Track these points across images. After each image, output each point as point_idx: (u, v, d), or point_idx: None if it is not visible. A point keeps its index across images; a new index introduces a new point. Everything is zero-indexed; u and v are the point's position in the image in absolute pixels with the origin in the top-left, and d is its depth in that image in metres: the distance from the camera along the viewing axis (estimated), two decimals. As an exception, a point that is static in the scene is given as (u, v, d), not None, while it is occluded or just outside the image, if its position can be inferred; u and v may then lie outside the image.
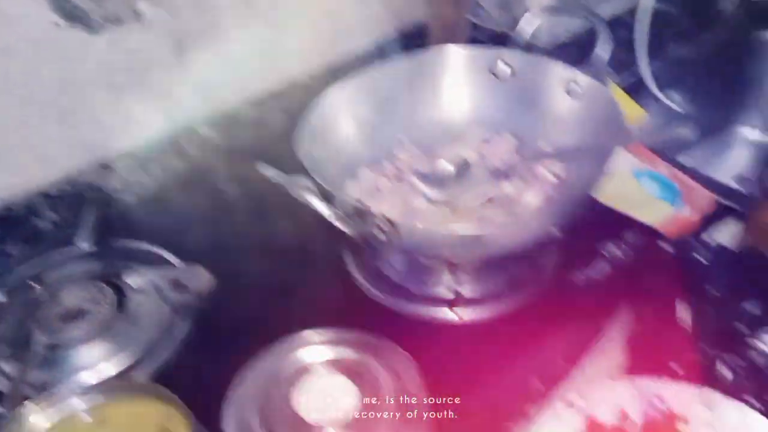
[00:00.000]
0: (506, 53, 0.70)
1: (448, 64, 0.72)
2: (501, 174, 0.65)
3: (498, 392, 0.61)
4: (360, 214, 0.56)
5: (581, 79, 0.65)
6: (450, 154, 0.70)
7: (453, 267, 0.63)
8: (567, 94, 0.66)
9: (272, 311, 0.66)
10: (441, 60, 0.72)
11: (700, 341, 0.63)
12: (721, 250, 0.68)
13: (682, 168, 0.87)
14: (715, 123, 1.18)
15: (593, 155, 0.60)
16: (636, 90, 1.07)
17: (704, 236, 0.72)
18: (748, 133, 1.20)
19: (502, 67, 0.69)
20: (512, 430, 0.60)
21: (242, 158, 0.61)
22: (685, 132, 1.08)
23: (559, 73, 0.67)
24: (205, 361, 0.62)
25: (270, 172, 0.54)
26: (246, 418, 0.53)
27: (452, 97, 0.73)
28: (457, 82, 0.72)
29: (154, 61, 0.77)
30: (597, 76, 0.63)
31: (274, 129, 0.83)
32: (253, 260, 0.72)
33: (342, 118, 0.69)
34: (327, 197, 0.57)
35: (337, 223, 0.52)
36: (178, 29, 0.77)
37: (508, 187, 0.64)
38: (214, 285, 0.65)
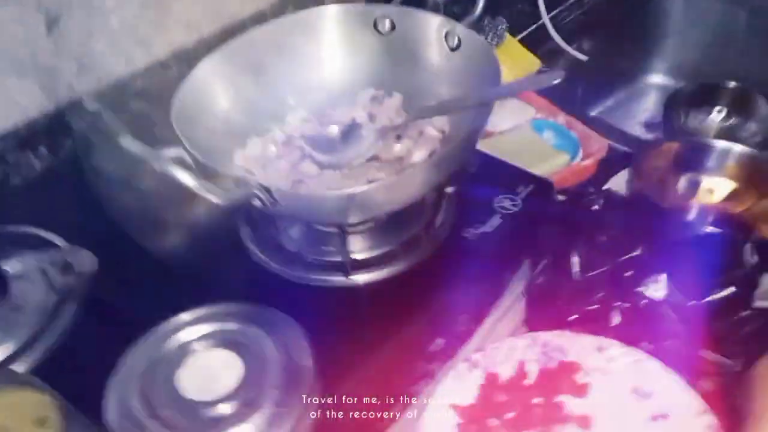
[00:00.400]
0: (384, 8, 0.68)
1: (326, 24, 0.70)
2: (390, 132, 0.64)
3: (400, 354, 0.61)
4: (237, 184, 0.54)
5: (459, 30, 0.63)
6: (340, 116, 0.68)
7: (345, 231, 0.61)
8: (446, 46, 0.65)
9: (164, 291, 0.64)
10: (318, 20, 0.70)
11: (593, 291, 0.64)
12: (613, 197, 0.69)
13: (584, 117, 0.88)
14: (624, 71, 1.20)
15: (474, 107, 0.59)
16: (544, 41, 1.07)
17: (600, 185, 0.73)
18: (655, 78, 1.22)
19: (382, 23, 0.68)
20: (416, 390, 0.60)
21: (130, 132, 0.58)
22: (593, 81, 1.09)
23: (438, 25, 0.65)
24: (91, 345, 0.60)
25: (134, 147, 0.51)
26: (127, 402, 0.52)
27: (335, 57, 0.71)
28: (338, 41, 0.70)
29: (27, 38, 0.73)
30: (476, 27, 0.61)
31: (162, 99, 0.80)
32: (144, 238, 0.70)
33: (219, 87, 0.66)
34: (204, 169, 0.55)
35: (208, 195, 0.50)
36: (47, 3, 0.72)
37: (396, 146, 0.63)
38: (99, 267, 0.63)
